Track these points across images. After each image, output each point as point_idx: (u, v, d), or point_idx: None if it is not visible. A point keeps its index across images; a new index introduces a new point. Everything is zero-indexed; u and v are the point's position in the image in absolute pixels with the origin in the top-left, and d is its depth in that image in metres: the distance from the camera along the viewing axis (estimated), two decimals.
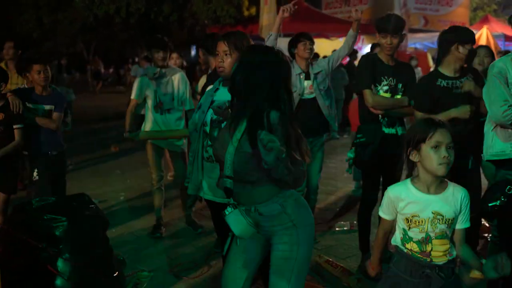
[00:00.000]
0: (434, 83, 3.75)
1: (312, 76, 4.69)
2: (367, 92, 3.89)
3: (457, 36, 3.70)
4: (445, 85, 3.73)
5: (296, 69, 4.61)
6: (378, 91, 3.93)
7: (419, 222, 2.33)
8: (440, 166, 2.27)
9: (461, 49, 3.66)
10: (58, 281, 3.25)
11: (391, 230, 2.51)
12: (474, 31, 4.22)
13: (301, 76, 4.62)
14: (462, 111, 3.63)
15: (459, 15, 17.49)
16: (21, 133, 4.29)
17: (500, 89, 3.31)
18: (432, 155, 2.28)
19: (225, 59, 2.95)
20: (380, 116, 3.94)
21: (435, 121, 2.36)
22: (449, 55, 3.72)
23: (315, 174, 4.84)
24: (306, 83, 4.65)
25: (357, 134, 4.08)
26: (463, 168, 3.72)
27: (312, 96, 4.65)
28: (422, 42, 17.37)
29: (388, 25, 3.84)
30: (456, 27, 3.95)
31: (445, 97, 3.72)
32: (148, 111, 5.05)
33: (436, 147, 2.28)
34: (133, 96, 5.04)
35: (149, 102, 5.01)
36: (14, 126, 4.26)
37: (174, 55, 7.36)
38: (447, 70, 3.74)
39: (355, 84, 4.10)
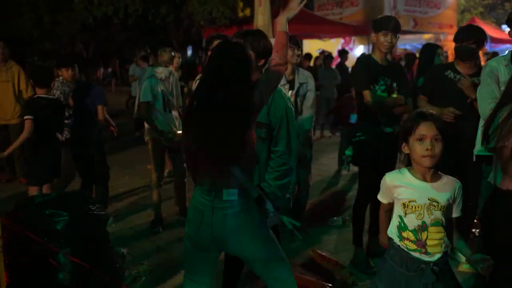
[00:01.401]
0: (442, 73, 4.00)
1: (297, 84, 4.60)
2: (367, 93, 3.89)
3: (454, 37, 4.00)
4: (451, 77, 3.94)
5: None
6: (376, 91, 3.94)
7: (415, 207, 2.33)
8: (424, 158, 2.30)
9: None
10: (60, 275, 3.24)
11: (391, 210, 2.50)
12: None
13: (286, 87, 4.51)
14: (441, 112, 3.76)
15: (447, 17, 17.56)
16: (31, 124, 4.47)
17: (491, 87, 3.38)
18: (417, 147, 2.31)
19: None
20: (379, 115, 3.94)
21: (421, 114, 2.37)
22: None
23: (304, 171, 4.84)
24: (290, 93, 4.57)
25: (356, 133, 4.07)
26: (465, 161, 3.78)
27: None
28: (411, 43, 17.47)
29: (390, 24, 3.86)
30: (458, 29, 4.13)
31: (447, 88, 3.93)
32: (155, 112, 4.99)
33: (420, 139, 2.31)
34: (147, 99, 4.90)
35: (156, 103, 4.96)
36: (25, 117, 4.47)
37: (177, 54, 7.40)
38: (462, 66, 3.97)
39: (353, 85, 4.10)
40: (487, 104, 3.37)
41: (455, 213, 2.40)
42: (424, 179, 2.36)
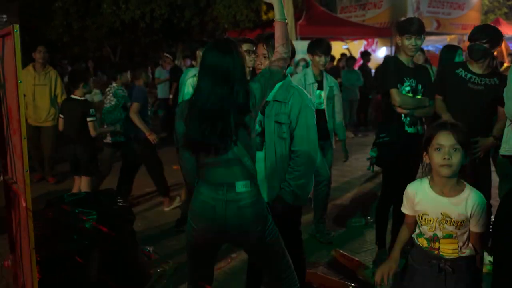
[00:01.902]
0: (453, 71, 3.91)
1: (326, 87, 4.65)
2: (394, 92, 3.82)
3: (468, 36, 3.91)
4: (462, 76, 3.85)
5: (309, 78, 4.55)
6: (402, 91, 3.89)
7: (427, 220, 2.33)
8: (441, 168, 2.26)
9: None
10: (89, 271, 3.30)
11: (413, 228, 2.49)
12: None
13: (314, 86, 4.57)
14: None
15: (471, 18, 17.26)
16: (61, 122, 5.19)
17: None
18: (435, 157, 2.28)
19: (263, 61, 2.92)
20: (403, 115, 3.89)
21: (441, 123, 2.35)
22: None
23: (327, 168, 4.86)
24: (318, 93, 4.61)
25: (380, 134, 4.04)
26: (475, 162, 3.73)
27: (322, 106, 4.59)
28: (434, 44, 17.21)
29: (413, 27, 3.79)
30: (473, 28, 4.00)
31: (458, 86, 3.85)
32: None
33: (438, 149, 2.27)
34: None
35: None
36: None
37: None
38: (474, 65, 3.87)
39: (380, 84, 4.04)
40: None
41: (475, 228, 2.32)
42: (441, 192, 2.33)
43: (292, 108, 2.86)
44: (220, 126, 2.34)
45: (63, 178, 7.15)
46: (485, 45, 3.74)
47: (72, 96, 4.98)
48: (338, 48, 16.29)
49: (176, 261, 4.19)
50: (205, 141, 2.38)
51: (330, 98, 4.71)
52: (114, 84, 5.73)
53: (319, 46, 4.54)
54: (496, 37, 3.79)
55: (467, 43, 3.92)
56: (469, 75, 3.84)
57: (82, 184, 5.06)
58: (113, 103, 5.55)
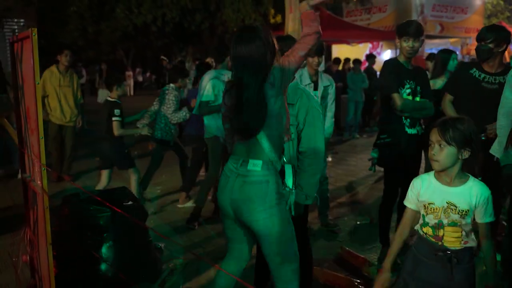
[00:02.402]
0: (467, 71, 3.91)
1: (321, 87, 4.59)
2: (396, 96, 3.81)
3: (476, 37, 3.93)
4: (476, 76, 3.85)
5: (305, 79, 4.51)
6: (402, 94, 3.88)
7: (433, 209, 2.35)
8: (432, 162, 2.34)
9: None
10: (103, 266, 3.31)
11: (410, 224, 2.49)
12: None
13: (310, 87, 4.53)
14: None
15: (474, 22, 17.19)
16: None
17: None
18: (429, 152, 2.35)
19: None
20: (403, 117, 3.89)
21: (438, 121, 2.37)
22: None
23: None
24: (315, 94, 4.55)
25: (381, 135, 4.03)
26: (487, 161, 3.70)
27: None
28: (437, 47, 17.15)
29: (411, 29, 3.78)
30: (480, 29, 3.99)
31: (472, 86, 3.84)
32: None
33: (430, 144, 2.34)
34: (209, 98, 5.05)
35: (217, 102, 5.04)
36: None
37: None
38: (486, 65, 3.87)
39: (382, 87, 4.03)
40: (499, 109, 3.32)
41: (481, 218, 2.33)
42: (446, 182, 2.35)
43: (299, 110, 2.86)
44: (244, 104, 2.42)
45: (80, 176, 7.19)
46: (490, 45, 3.75)
47: (109, 98, 5.12)
48: (344, 50, 16.26)
49: (187, 257, 4.21)
50: (234, 118, 2.49)
51: (324, 97, 4.67)
52: (172, 85, 5.85)
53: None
54: (501, 35, 3.78)
55: (472, 46, 3.92)
56: (483, 75, 3.84)
57: (130, 180, 5.20)
58: (174, 102, 5.76)
